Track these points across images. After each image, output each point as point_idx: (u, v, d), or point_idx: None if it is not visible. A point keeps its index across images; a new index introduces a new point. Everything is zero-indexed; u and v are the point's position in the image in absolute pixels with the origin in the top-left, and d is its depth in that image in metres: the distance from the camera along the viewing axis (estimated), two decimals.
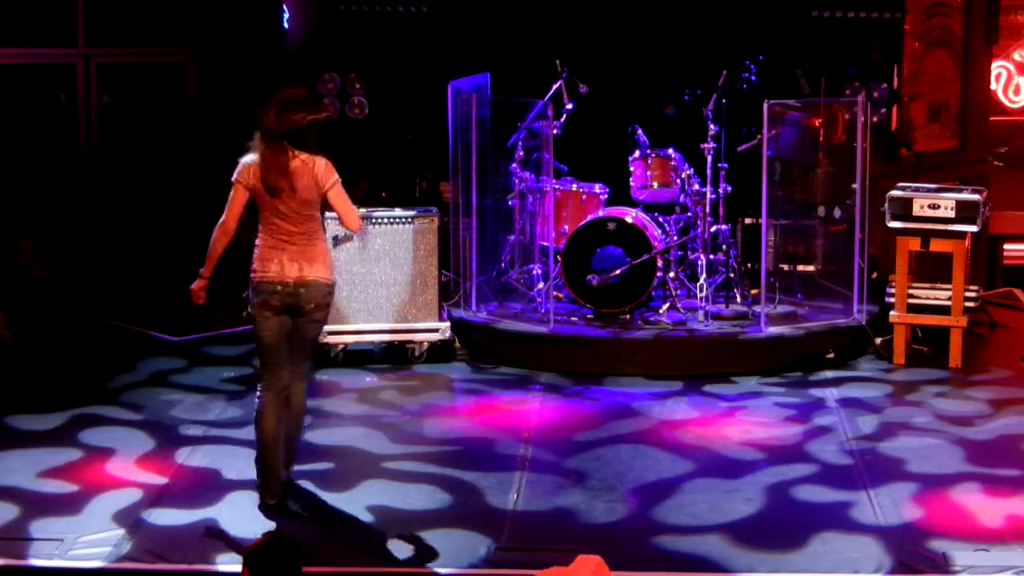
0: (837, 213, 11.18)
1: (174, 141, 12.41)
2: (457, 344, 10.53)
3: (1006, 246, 12.85)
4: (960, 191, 10.48)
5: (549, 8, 12.43)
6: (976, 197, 10.34)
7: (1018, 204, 12.82)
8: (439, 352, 10.43)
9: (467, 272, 11.00)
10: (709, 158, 10.78)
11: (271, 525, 7.38)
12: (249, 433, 8.83)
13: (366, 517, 7.53)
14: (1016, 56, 13.42)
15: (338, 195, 7.55)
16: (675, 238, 10.94)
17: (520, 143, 11.02)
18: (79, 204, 12.53)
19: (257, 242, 7.61)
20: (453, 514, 7.59)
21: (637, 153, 11.10)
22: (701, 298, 10.66)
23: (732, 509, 7.64)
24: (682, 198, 11.02)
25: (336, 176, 7.56)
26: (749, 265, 11.28)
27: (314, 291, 7.50)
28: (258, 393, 7.61)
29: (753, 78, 10.89)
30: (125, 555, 7.06)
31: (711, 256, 10.86)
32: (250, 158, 7.62)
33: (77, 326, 11.42)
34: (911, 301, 10.43)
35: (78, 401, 9.37)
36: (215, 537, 7.25)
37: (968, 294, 10.43)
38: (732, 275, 10.91)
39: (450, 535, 7.31)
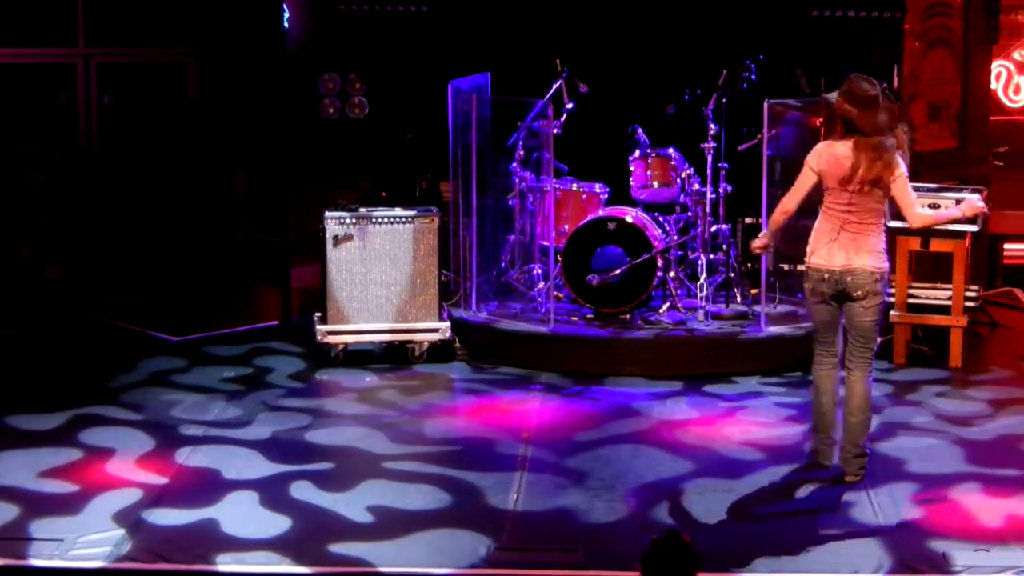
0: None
1: (174, 141, 12.41)
2: (457, 344, 10.53)
3: (1006, 246, 12.85)
4: (960, 191, 10.48)
5: (549, 8, 12.43)
6: (976, 197, 10.32)
7: (1018, 204, 12.81)
8: (439, 352, 10.43)
9: (467, 272, 11.00)
10: (709, 158, 10.78)
11: (271, 525, 7.39)
12: (248, 433, 8.87)
13: (366, 517, 7.54)
14: (1016, 56, 13.41)
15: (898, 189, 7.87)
16: (675, 238, 10.94)
17: (520, 143, 11.02)
18: (79, 204, 12.53)
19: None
20: (453, 514, 7.59)
21: (637, 153, 11.10)
22: (701, 298, 10.66)
23: (732, 509, 7.64)
24: (682, 198, 11.02)
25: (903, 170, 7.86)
26: (749, 265, 11.27)
27: (861, 279, 7.86)
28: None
29: (753, 78, 10.89)
30: (125, 555, 7.05)
31: (711, 256, 10.86)
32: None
33: (78, 326, 11.43)
34: (911, 301, 10.44)
35: (78, 401, 9.37)
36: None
37: (968, 294, 10.43)
38: (732, 275, 10.91)
39: (450, 535, 7.31)
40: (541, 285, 10.84)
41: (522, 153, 11.06)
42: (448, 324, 10.47)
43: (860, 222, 7.86)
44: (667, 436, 8.85)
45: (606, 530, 7.42)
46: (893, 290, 10.48)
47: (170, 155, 12.42)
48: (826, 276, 7.89)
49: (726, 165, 10.89)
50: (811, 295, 8.00)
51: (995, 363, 10.51)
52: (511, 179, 11.12)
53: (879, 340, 8.10)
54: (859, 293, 7.86)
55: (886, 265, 7.97)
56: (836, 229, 7.88)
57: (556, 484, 8.03)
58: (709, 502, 7.73)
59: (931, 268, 10.79)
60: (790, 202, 8.03)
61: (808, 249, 8.01)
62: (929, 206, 10.35)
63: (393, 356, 10.45)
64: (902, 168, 7.84)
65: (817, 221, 8.02)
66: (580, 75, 11.08)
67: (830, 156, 7.89)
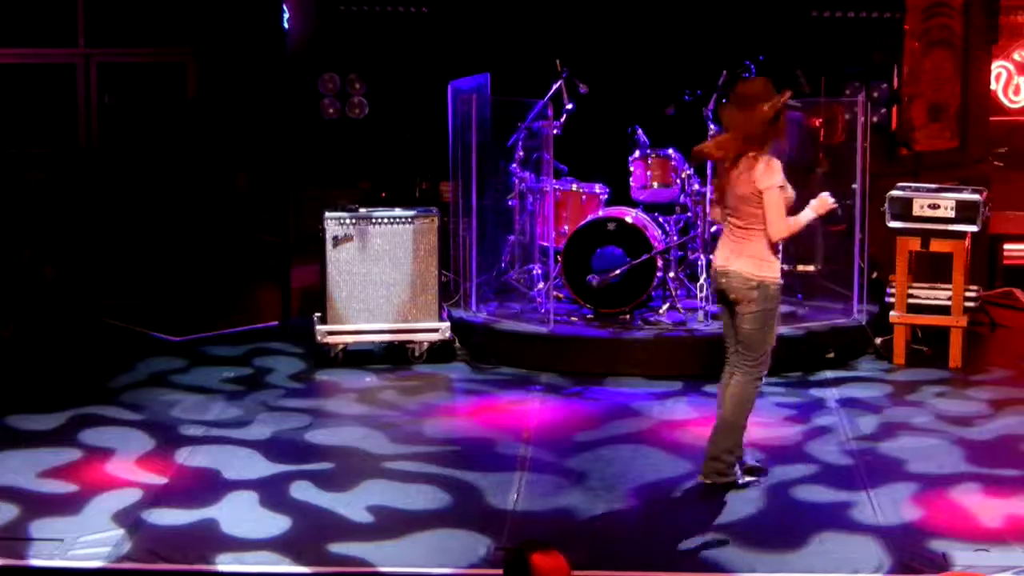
0: (837, 212, 11.16)
1: (174, 141, 12.40)
2: (457, 344, 10.53)
3: (1006, 246, 12.85)
4: (960, 191, 10.48)
5: (549, 8, 12.43)
6: (976, 197, 10.34)
7: (1018, 204, 12.82)
8: (439, 352, 10.43)
9: (467, 272, 11.00)
10: None
11: (271, 525, 7.39)
12: (249, 433, 8.87)
13: (366, 517, 7.54)
14: (1016, 56, 13.41)
15: (767, 200, 7.71)
16: (675, 238, 10.94)
17: (520, 143, 11.02)
18: (79, 204, 12.53)
19: None
20: (453, 514, 7.59)
21: (637, 153, 11.10)
22: (701, 298, 10.66)
23: (732, 509, 7.64)
24: (682, 198, 11.02)
25: (771, 182, 7.70)
26: None
27: (735, 282, 7.75)
28: None
29: None
30: (125, 555, 7.06)
31: (711, 256, 10.84)
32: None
33: (77, 326, 11.42)
34: (911, 301, 10.44)
35: (78, 401, 9.37)
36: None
37: (968, 294, 10.43)
38: None
39: (450, 535, 7.31)
40: (541, 285, 10.84)
41: (522, 154, 11.06)
42: (448, 324, 10.46)
43: (745, 227, 7.79)
44: (667, 436, 8.84)
45: (606, 530, 7.42)
46: (893, 290, 10.49)
47: (170, 155, 12.41)
48: (714, 275, 7.96)
49: None
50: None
51: (995, 363, 10.51)
52: (511, 180, 11.13)
53: (767, 352, 7.87)
54: (734, 296, 7.79)
55: (768, 273, 7.79)
56: (726, 232, 7.93)
57: (556, 484, 8.03)
58: (708, 502, 7.73)
59: (931, 268, 10.80)
60: (713, 214, 8.33)
61: None
62: (928, 206, 10.39)
63: (393, 356, 10.45)
64: (769, 182, 7.70)
65: None
66: (580, 75, 11.08)
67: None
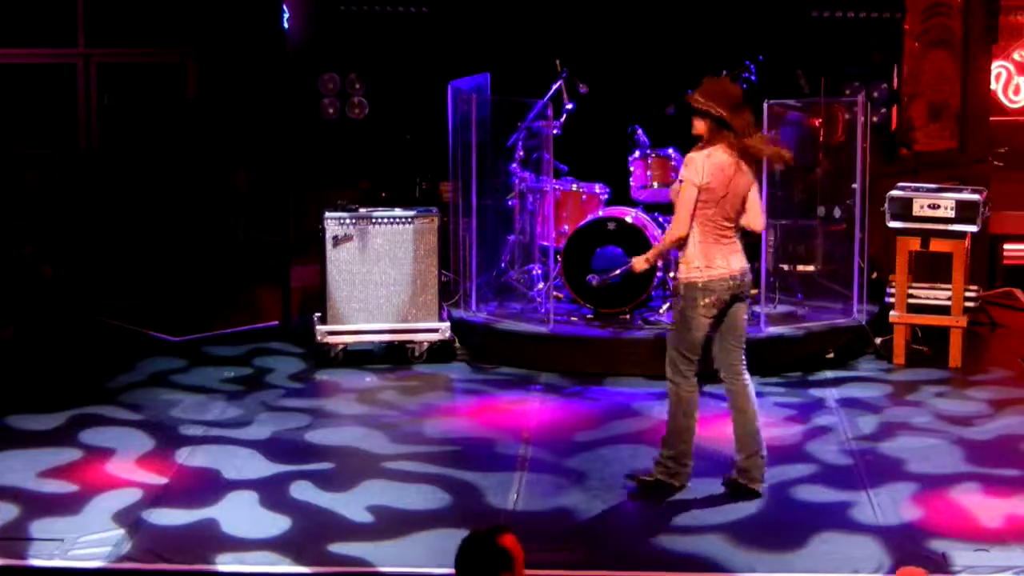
0: (837, 213, 11.17)
1: (174, 141, 12.41)
2: (457, 344, 10.53)
3: (1006, 246, 12.86)
4: (960, 191, 10.48)
5: (549, 8, 12.43)
6: (976, 197, 10.34)
7: (1018, 204, 12.81)
8: (439, 352, 10.43)
9: (467, 272, 11.00)
10: None
11: (271, 525, 7.39)
12: (249, 433, 8.87)
13: (366, 517, 7.54)
14: (1016, 56, 13.41)
15: (757, 195, 7.89)
16: None
17: (520, 143, 11.02)
18: (79, 204, 12.53)
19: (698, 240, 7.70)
20: (453, 514, 7.59)
21: (637, 153, 11.10)
22: None
23: (732, 509, 7.64)
24: None
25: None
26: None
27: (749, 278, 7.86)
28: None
29: (753, 78, 10.88)
30: (125, 555, 7.06)
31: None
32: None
33: (78, 326, 11.43)
34: (911, 301, 10.44)
35: (78, 401, 9.37)
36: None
37: (968, 294, 10.43)
38: None
39: (450, 535, 7.30)
40: (541, 285, 10.84)
41: (522, 154, 11.06)
42: (448, 324, 10.46)
43: (735, 228, 7.76)
44: None
45: (606, 530, 7.42)
46: (893, 290, 10.49)
47: (170, 155, 12.42)
48: (731, 283, 7.66)
49: None
50: (710, 308, 7.64)
51: (995, 363, 10.51)
52: (511, 179, 11.12)
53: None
54: (752, 292, 7.86)
55: None
56: (717, 238, 7.69)
57: (556, 484, 8.03)
58: (708, 502, 7.73)
59: (931, 268, 10.80)
60: (683, 228, 7.66)
61: (695, 264, 7.67)
62: (928, 206, 10.39)
63: (393, 356, 10.45)
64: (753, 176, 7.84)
65: (695, 235, 7.66)
66: (580, 75, 11.07)
67: (714, 167, 7.68)
